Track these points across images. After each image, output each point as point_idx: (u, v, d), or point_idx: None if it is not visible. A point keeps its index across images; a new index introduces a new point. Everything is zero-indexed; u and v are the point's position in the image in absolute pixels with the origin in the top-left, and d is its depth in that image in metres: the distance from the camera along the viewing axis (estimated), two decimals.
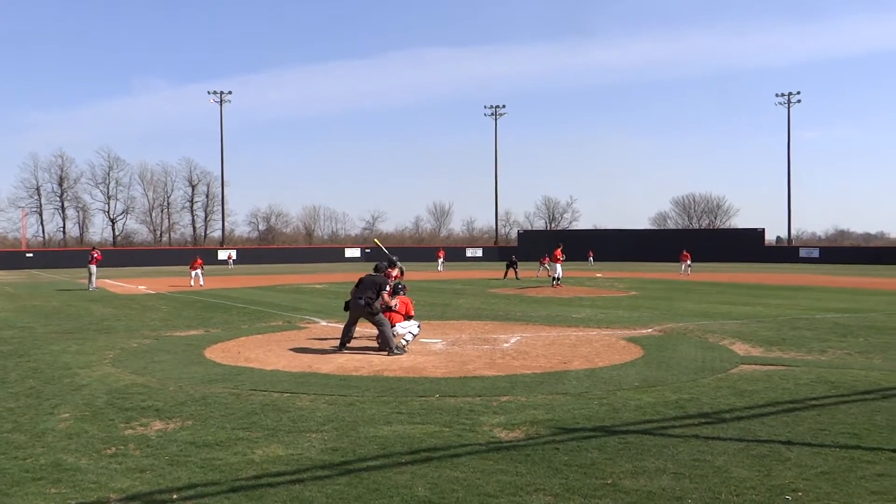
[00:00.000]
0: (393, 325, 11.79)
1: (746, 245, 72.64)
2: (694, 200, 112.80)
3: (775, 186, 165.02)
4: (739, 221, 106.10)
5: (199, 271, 32.29)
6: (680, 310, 19.21)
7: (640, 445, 6.28)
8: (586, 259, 62.09)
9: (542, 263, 39.33)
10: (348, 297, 12.35)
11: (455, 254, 75.96)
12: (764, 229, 76.13)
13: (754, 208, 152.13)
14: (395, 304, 12.06)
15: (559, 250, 30.54)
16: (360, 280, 12.17)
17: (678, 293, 26.04)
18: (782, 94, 78.61)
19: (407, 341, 11.85)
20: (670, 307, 20.06)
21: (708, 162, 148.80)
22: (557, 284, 29.18)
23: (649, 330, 14.73)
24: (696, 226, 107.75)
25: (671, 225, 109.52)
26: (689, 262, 42.32)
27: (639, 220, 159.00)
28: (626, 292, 26.78)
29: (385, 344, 11.55)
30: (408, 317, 12.23)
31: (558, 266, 30.09)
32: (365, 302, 11.75)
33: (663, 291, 27.09)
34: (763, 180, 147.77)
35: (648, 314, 18.01)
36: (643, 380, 9.29)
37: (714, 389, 8.71)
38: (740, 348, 12.13)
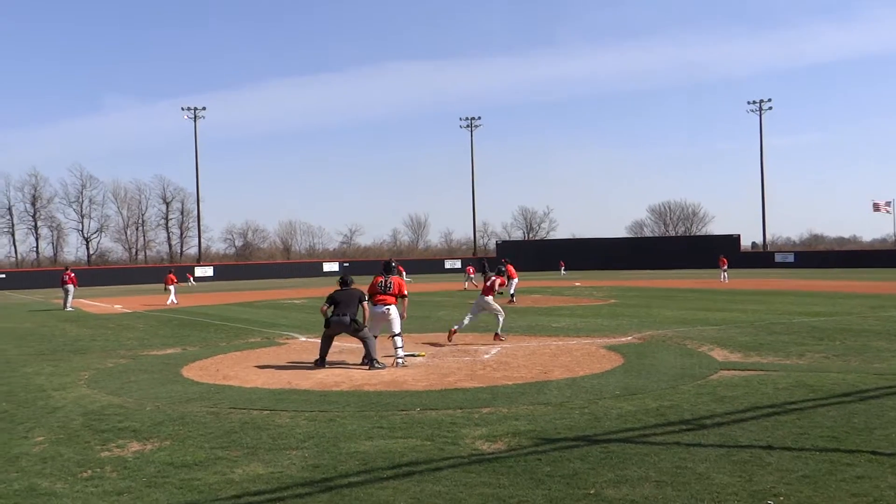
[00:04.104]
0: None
1: (722, 251, 72.95)
2: (670, 208, 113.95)
3: (749, 192, 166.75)
4: (715, 228, 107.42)
5: (171, 287, 31.74)
6: (659, 317, 19.32)
7: (622, 454, 6.28)
8: (558, 269, 62.33)
9: (469, 274, 40.26)
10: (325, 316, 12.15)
11: (434, 266, 76.06)
12: (739, 235, 76.74)
13: (729, 215, 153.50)
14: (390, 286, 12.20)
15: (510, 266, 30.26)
16: (333, 298, 11.90)
17: (657, 300, 26.19)
18: (754, 102, 79.36)
19: (402, 359, 11.78)
20: (649, 314, 20.17)
21: (683, 170, 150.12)
22: (512, 300, 28.65)
23: (629, 338, 14.78)
24: (672, 233, 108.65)
25: (647, 233, 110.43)
26: (725, 267, 41.94)
27: (615, 228, 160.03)
28: (605, 300, 26.89)
29: (368, 357, 11.50)
30: (400, 296, 12.23)
31: (513, 281, 29.67)
32: (350, 319, 11.68)
33: (642, 299, 27.23)
34: (737, 187, 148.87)
35: (627, 322, 18.09)
36: (624, 388, 9.32)
37: (694, 396, 8.74)
38: (719, 354, 12.20)
